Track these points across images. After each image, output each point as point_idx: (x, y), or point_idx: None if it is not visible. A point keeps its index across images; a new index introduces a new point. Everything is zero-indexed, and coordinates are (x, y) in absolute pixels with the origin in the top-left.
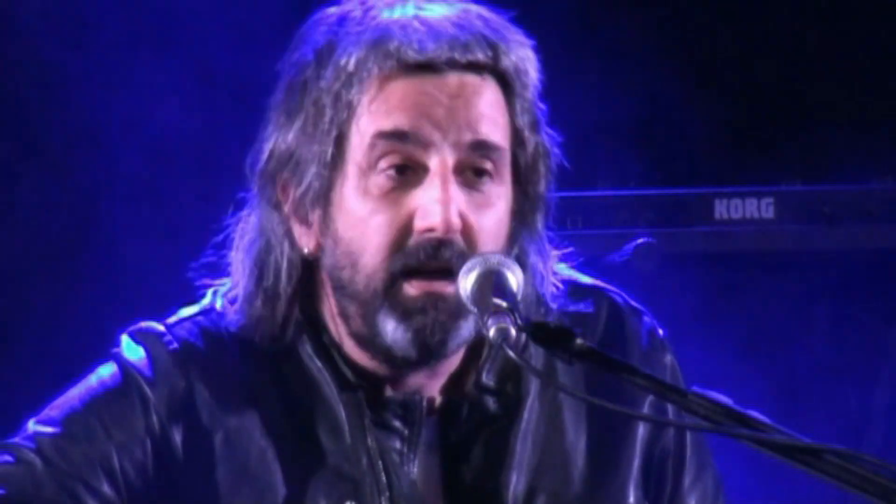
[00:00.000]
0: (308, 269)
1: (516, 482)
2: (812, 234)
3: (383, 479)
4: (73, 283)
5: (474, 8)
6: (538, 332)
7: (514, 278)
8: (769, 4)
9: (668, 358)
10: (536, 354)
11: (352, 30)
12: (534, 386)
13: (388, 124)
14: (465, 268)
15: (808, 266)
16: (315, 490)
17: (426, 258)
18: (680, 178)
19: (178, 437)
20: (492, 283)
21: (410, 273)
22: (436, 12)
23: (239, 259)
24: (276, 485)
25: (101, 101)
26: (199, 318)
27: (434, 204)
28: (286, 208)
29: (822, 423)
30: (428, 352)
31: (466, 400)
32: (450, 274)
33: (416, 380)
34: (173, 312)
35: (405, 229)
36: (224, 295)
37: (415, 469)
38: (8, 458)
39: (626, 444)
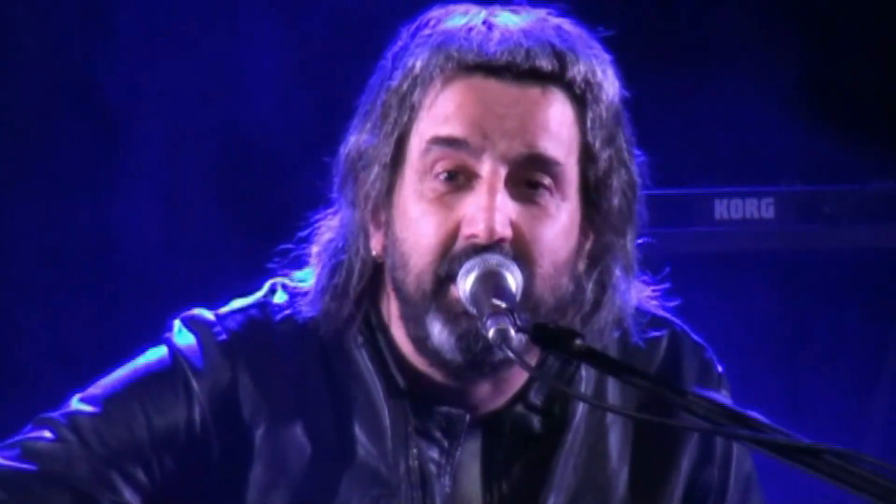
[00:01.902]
0: (377, 271)
1: (553, 503)
2: (812, 234)
3: (419, 488)
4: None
5: (553, 20)
6: (538, 332)
7: (513, 279)
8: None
9: (724, 394)
10: (588, 378)
11: (423, 34)
12: (581, 409)
13: (443, 131)
14: (463, 269)
15: (808, 266)
16: (349, 491)
17: (469, 262)
18: (680, 178)
19: (217, 431)
20: (491, 284)
21: (456, 279)
22: (507, 20)
23: (317, 254)
24: (311, 483)
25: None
26: (252, 310)
27: (480, 211)
28: (363, 209)
29: (822, 424)
30: (473, 357)
31: (511, 416)
32: None
33: (479, 392)
34: (226, 302)
35: (452, 234)
36: (287, 289)
37: (448, 481)
38: (47, 433)
39: (670, 476)
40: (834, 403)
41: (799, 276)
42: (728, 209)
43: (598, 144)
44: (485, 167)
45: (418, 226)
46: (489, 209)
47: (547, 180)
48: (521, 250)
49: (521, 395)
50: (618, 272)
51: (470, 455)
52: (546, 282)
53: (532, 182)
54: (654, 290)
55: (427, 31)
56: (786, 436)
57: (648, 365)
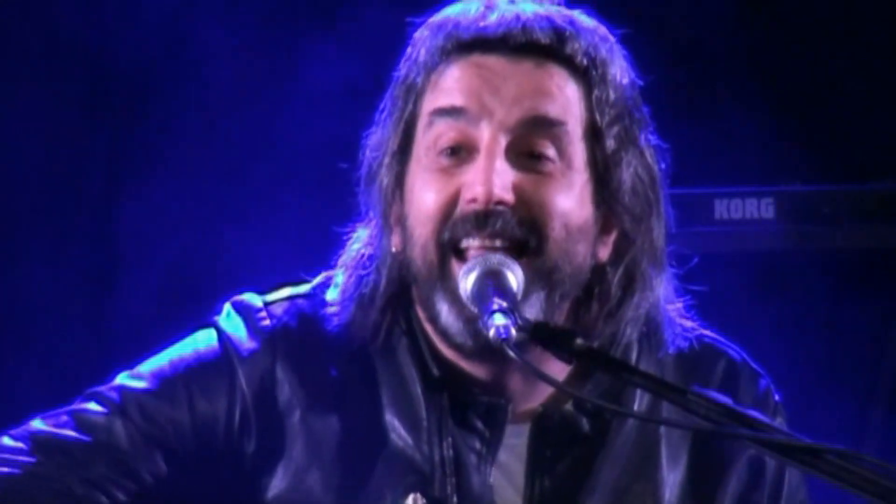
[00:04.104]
0: (404, 267)
1: (591, 498)
2: (812, 234)
3: (454, 478)
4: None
5: (557, 8)
6: (538, 332)
7: (514, 278)
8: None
9: (779, 421)
10: (642, 394)
11: (426, 25)
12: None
13: (443, 102)
14: (465, 268)
15: (808, 266)
16: (381, 478)
17: (472, 229)
18: (680, 178)
19: (256, 416)
20: (492, 283)
21: (460, 253)
22: (506, 4)
23: (344, 263)
24: (345, 469)
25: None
26: (300, 300)
27: (478, 174)
28: (379, 203)
29: (821, 423)
30: (486, 343)
31: (560, 414)
32: (507, 252)
33: (512, 384)
34: (274, 287)
35: (453, 200)
36: (337, 286)
37: (491, 472)
38: (95, 405)
39: (720, 491)
40: (833, 403)
41: (799, 276)
42: (728, 209)
43: (604, 123)
44: (484, 136)
45: (421, 196)
46: (487, 171)
47: (550, 150)
48: (527, 214)
49: (574, 400)
50: (645, 265)
51: (515, 449)
52: (559, 245)
53: (535, 153)
54: (687, 300)
55: (430, 22)
56: (786, 435)
57: (704, 381)
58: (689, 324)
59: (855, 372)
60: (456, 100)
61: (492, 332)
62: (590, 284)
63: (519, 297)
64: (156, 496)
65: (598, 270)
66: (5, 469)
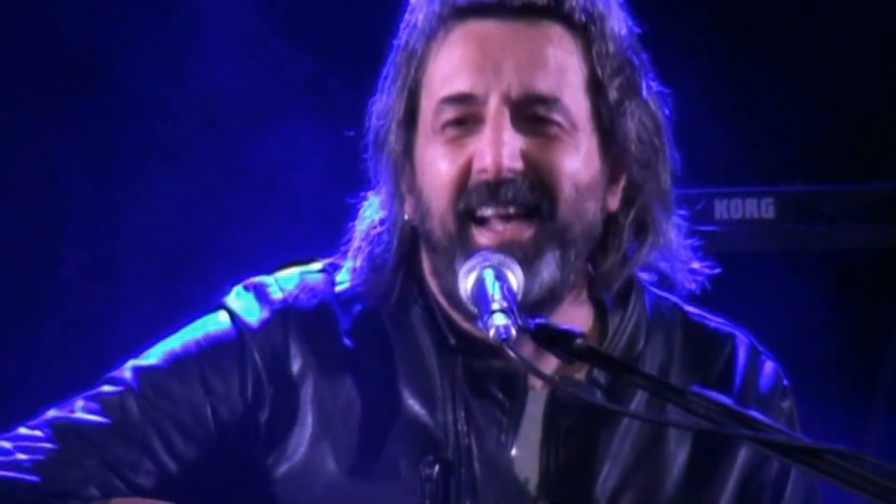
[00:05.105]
0: (415, 235)
1: (607, 475)
2: (812, 234)
3: (469, 442)
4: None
5: None
6: (539, 331)
7: (515, 278)
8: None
9: (787, 404)
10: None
11: None
12: (641, 392)
13: (451, 90)
14: (465, 268)
15: (808, 266)
16: (395, 446)
17: (486, 199)
18: (680, 178)
19: (270, 389)
20: (492, 282)
21: (479, 220)
22: None
23: (357, 228)
24: (359, 437)
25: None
26: (311, 274)
27: (487, 146)
28: (389, 170)
29: (821, 423)
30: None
31: (573, 382)
32: (521, 217)
33: (526, 351)
34: (284, 265)
35: (466, 170)
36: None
37: (513, 440)
38: (113, 388)
39: (725, 467)
40: (833, 403)
41: (799, 276)
42: (728, 209)
43: (605, 76)
44: (490, 108)
45: (434, 168)
46: (495, 143)
47: (554, 115)
48: (538, 179)
49: (588, 370)
50: (654, 209)
51: (531, 418)
52: (570, 206)
53: (539, 117)
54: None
55: None
56: (786, 435)
57: (711, 367)
58: (697, 265)
59: (855, 372)
60: (463, 86)
61: (492, 332)
62: (603, 236)
63: (519, 296)
64: (173, 476)
65: (610, 220)
66: (24, 456)
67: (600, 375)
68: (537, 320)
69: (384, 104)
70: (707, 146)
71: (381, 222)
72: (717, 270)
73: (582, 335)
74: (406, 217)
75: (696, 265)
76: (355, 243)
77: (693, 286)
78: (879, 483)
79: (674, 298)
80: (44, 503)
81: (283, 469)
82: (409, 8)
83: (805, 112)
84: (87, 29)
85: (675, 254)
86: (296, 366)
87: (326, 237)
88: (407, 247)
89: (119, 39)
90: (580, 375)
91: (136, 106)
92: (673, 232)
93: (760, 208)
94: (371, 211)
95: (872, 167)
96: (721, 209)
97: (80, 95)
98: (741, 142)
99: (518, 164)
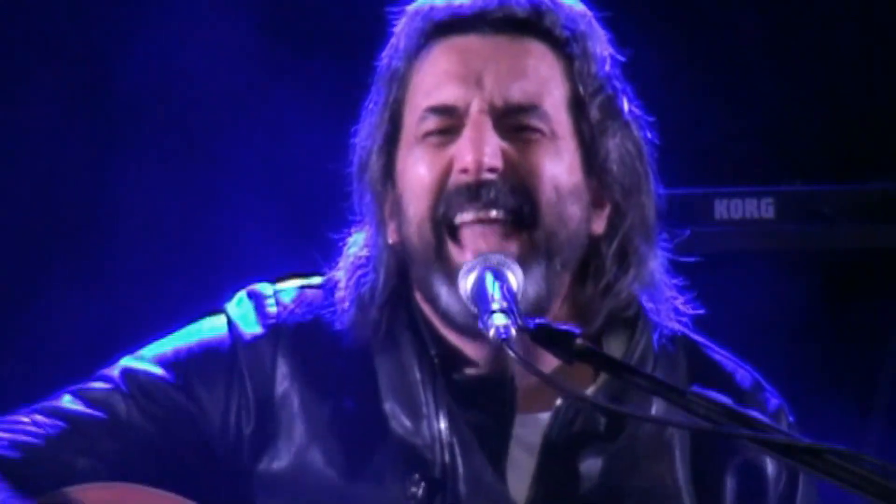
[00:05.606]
0: (401, 259)
1: (601, 498)
2: (812, 234)
3: (455, 460)
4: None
5: None
6: (539, 331)
7: (515, 278)
8: (767, 2)
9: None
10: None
11: (405, 12)
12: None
13: (433, 100)
14: (465, 268)
15: (808, 266)
16: (382, 462)
17: (465, 202)
18: (680, 178)
19: (254, 403)
20: (491, 283)
21: (456, 235)
22: None
23: (343, 267)
24: (345, 449)
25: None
26: (310, 291)
27: (467, 143)
28: (371, 192)
29: (821, 424)
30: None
31: (576, 408)
32: (503, 223)
33: (514, 365)
34: (285, 276)
35: (445, 172)
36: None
37: (503, 462)
38: (101, 384)
39: (718, 489)
40: (833, 404)
41: (799, 276)
42: (728, 209)
43: (587, 94)
44: (471, 115)
45: (413, 172)
46: (476, 141)
47: (533, 121)
48: (517, 181)
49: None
50: (637, 240)
51: (522, 443)
52: (552, 209)
53: (520, 125)
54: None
55: (407, 10)
56: (786, 435)
57: (675, 370)
58: (682, 305)
59: (855, 373)
60: (446, 97)
61: (492, 332)
62: (586, 260)
63: (518, 296)
64: (156, 477)
65: (594, 245)
66: (6, 435)
67: (602, 399)
68: (537, 320)
69: (367, 127)
70: (707, 146)
71: (367, 259)
72: (701, 311)
73: (582, 335)
74: (391, 242)
75: (679, 304)
76: (342, 283)
77: (675, 325)
78: (879, 483)
79: (682, 329)
80: (23, 475)
81: (273, 474)
82: (393, 34)
83: (805, 112)
84: (86, 28)
85: (659, 289)
86: (284, 381)
87: (326, 237)
88: (395, 277)
89: (119, 39)
90: (587, 404)
91: (136, 106)
92: (656, 266)
93: (760, 208)
94: (355, 248)
95: (872, 167)
96: (721, 209)
97: (79, 95)
98: (741, 142)
99: (498, 162)
